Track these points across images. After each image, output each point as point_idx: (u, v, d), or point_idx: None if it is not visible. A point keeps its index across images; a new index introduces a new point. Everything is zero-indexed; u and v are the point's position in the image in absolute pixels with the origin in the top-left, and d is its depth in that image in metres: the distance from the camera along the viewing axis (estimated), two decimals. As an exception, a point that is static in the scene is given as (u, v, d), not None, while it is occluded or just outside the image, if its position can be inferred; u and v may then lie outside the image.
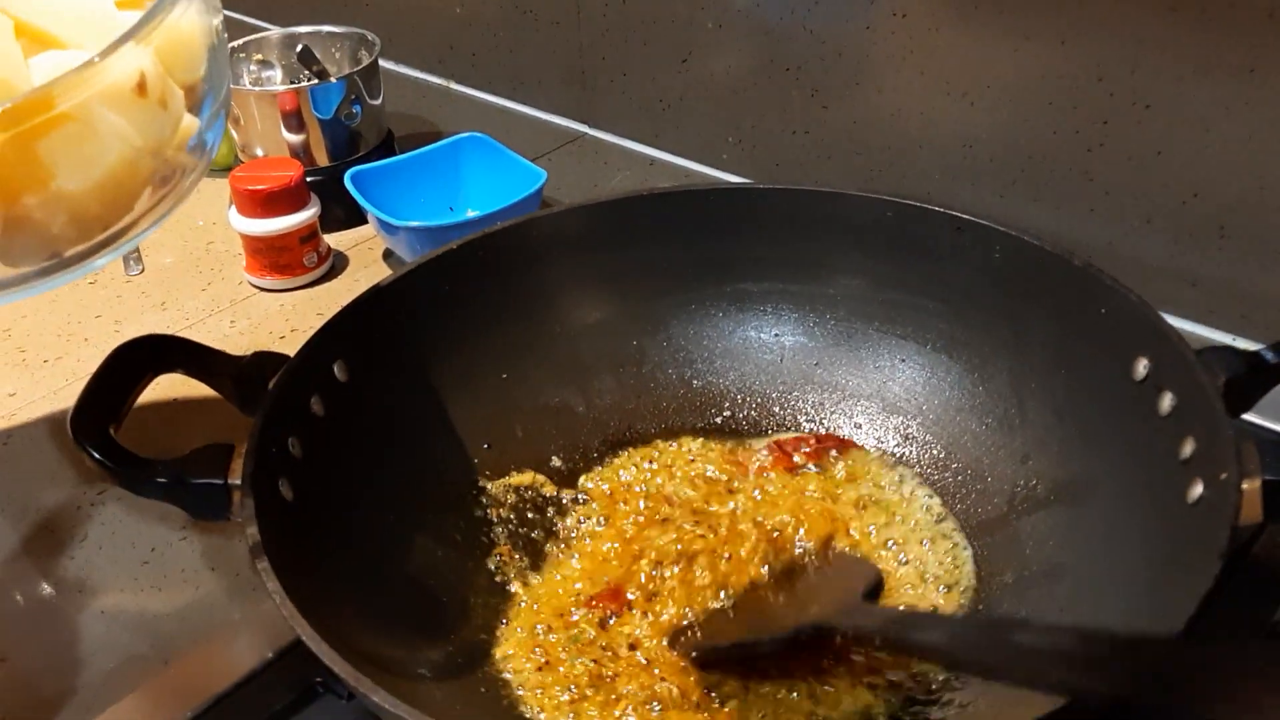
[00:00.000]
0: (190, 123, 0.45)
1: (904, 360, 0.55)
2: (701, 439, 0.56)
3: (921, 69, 0.71)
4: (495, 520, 0.52)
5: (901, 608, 0.47)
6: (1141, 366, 0.46)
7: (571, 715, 0.43)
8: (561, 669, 0.45)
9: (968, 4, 0.67)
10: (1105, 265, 0.65)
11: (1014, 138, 0.69)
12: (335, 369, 0.49)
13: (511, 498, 0.53)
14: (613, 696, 0.44)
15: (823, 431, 0.55)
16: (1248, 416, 0.52)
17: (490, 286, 0.54)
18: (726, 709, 0.43)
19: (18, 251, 0.41)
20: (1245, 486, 0.39)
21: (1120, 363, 0.47)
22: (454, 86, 1.00)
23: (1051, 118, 0.67)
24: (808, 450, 0.53)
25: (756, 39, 0.78)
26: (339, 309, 0.50)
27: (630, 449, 0.56)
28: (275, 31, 0.85)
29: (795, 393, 0.56)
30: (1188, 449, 0.42)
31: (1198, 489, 0.40)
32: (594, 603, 0.48)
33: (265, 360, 0.48)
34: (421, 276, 0.52)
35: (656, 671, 0.45)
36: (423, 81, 1.01)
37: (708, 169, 0.85)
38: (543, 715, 0.43)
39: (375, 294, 0.50)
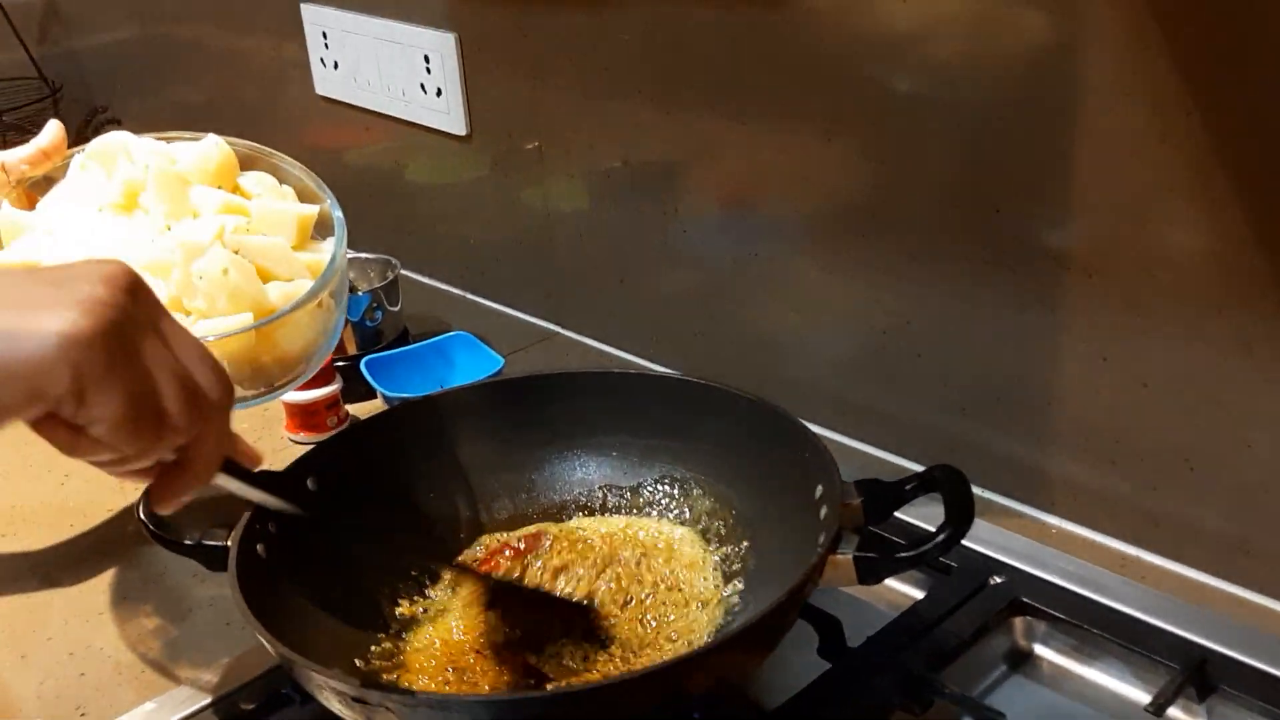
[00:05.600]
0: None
1: (702, 480, 0.80)
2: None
3: (779, 296, 0.97)
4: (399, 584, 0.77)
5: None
6: (818, 490, 0.69)
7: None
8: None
9: (801, 250, 0.94)
10: (890, 434, 0.90)
11: (832, 342, 0.94)
12: (308, 481, 0.75)
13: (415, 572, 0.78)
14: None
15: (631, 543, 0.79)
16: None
17: (420, 435, 0.80)
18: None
19: (259, 382, 0.73)
20: (833, 558, 0.63)
21: (810, 487, 0.70)
22: (468, 296, 1.30)
23: (851, 328, 0.92)
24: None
25: (670, 268, 1.06)
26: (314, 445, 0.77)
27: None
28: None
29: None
30: (822, 539, 0.65)
31: (812, 560, 0.63)
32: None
33: (269, 476, 0.75)
34: (368, 428, 0.79)
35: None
36: (440, 289, 1.31)
37: (640, 359, 1.12)
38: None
39: (336, 438, 0.77)
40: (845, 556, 0.64)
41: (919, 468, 0.90)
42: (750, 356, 1.01)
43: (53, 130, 0.79)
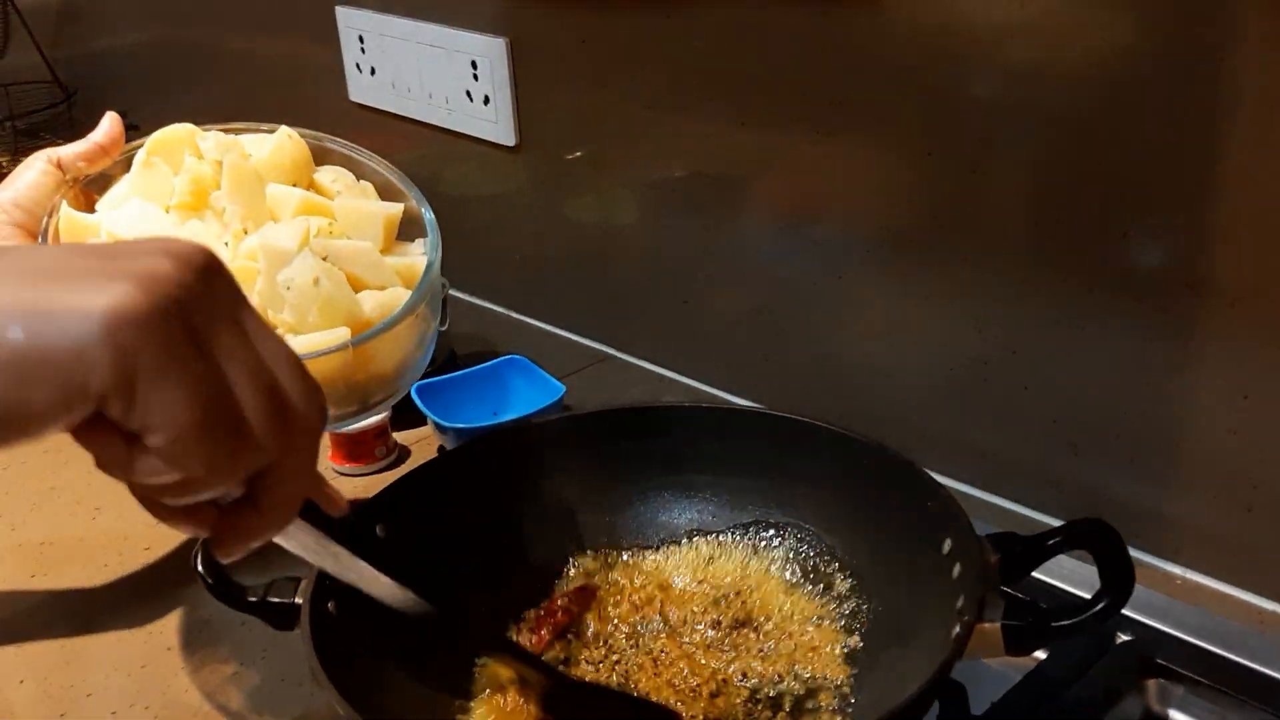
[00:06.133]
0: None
1: (803, 526, 0.73)
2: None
3: (853, 317, 0.91)
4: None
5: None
6: (947, 544, 0.63)
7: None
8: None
9: (887, 271, 0.88)
10: (988, 472, 0.83)
11: (922, 372, 0.88)
12: (377, 529, 0.69)
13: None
14: None
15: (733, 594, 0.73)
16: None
17: (494, 475, 0.74)
18: None
19: (352, 402, 0.68)
20: (983, 626, 0.56)
21: (936, 540, 0.64)
22: (515, 315, 1.23)
23: (946, 357, 0.85)
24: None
25: (736, 288, 0.99)
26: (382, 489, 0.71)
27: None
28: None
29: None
30: (959, 603, 0.59)
31: (955, 629, 0.57)
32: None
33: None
34: (438, 468, 0.72)
35: None
36: (487, 309, 1.24)
37: (704, 386, 1.05)
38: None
39: (405, 480, 0.71)
40: (993, 625, 0.57)
41: (1021, 509, 0.85)
42: (828, 385, 0.95)
43: (109, 124, 0.73)
